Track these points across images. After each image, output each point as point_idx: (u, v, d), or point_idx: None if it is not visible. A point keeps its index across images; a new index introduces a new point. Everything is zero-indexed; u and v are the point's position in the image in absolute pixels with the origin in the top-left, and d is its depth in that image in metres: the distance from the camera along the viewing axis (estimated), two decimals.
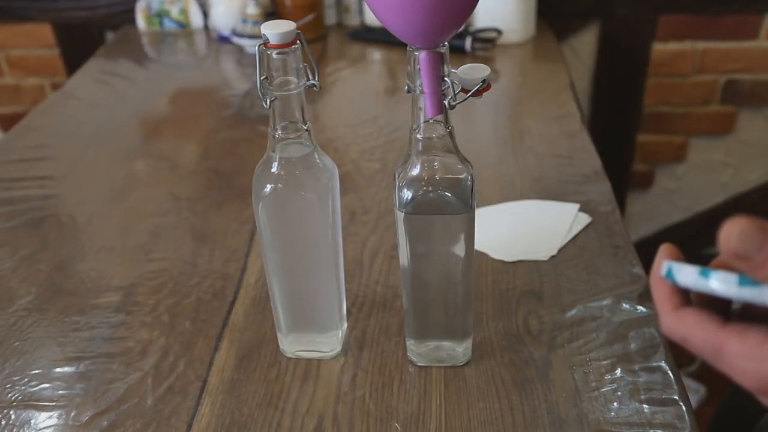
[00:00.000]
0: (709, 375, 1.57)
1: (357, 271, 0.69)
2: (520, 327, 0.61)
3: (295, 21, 0.49)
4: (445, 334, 0.57)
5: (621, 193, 1.55)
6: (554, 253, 0.70)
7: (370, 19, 1.31)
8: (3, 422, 0.55)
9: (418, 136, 0.48)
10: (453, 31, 0.45)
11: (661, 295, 0.36)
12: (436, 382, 0.57)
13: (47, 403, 0.56)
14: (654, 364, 0.57)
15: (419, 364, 0.58)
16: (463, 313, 0.55)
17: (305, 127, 0.50)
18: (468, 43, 1.17)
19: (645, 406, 0.53)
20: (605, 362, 0.57)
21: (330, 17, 1.34)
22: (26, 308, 0.67)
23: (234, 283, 0.69)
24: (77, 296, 0.68)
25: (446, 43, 0.45)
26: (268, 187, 0.51)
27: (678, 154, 1.55)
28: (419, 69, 0.45)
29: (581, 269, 0.68)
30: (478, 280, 0.67)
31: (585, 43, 1.43)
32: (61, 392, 0.57)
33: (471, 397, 0.55)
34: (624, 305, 0.63)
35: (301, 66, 0.48)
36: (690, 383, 1.51)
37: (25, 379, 0.59)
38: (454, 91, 0.46)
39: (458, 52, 1.17)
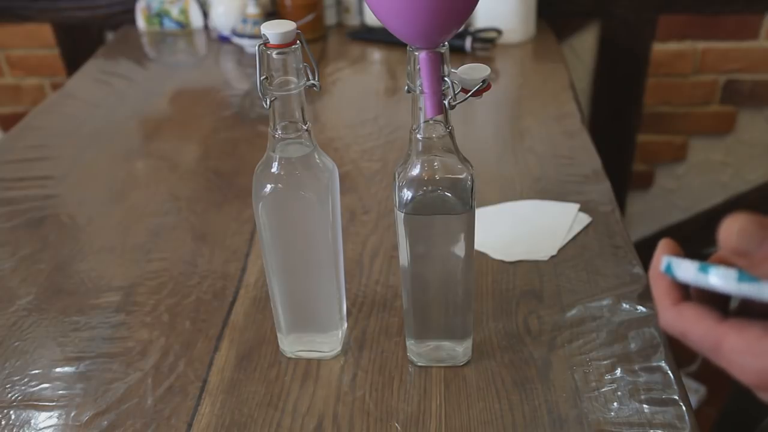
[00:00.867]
0: (709, 375, 1.57)
1: (357, 271, 0.69)
2: (520, 327, 0.61)
3: (295, 21, 0.49)
4: (445, 334, 0.57)
5: (621, 193, 1.55)
6: (554, 253, 0.70)
7: (370, 19, 1.31)
8: (3, 422, 0.55)
9: (418, 136, 0.48)
10: (453, 31, 0.45)
11: (660, 290, 0.36)
12: (436, 382, 0.57)
13: (47, 403, 0.56)
14: (654, 364, 0.57)
15: (419, 364, 0.58)
16: (463, 313, 0.55)
17: (305, 127, 0.50)
18: (468, 43, 1.17)
19: (645, 406, 0.53)
20: (605, 362, 0.57)
21: (330, 17, 1.34)
22: (26, 308, 0.67)
23: (234, 283, 0.69)
24: (77, 296, 0.68)
25: (446, 43, 0.45)
26: (268, 187, 0.51)
27: (678, 154, 1.55)
28: (419, 69, 0.45)
29: (581, 269, 0.68)
30: (478, 280, 0.67)
31: (585, 43, 1.43)
32: (61, 392, 0.57)
33: (471, 397, 0.55)
34: (624, 305, 0.63)
35: (301, 66, 0.48)
36: (690, 383, 1.51)
37: (25, 379, 0.59)
38: (454, 91, 0.46)
39: (458, 52, 1.17)
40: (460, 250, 0.51)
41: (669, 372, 0.56)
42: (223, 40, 1.31)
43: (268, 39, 0.46)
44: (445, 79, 0.46)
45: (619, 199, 1.27)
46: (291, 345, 0.59)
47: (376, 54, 1.24)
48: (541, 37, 1.27)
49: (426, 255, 0.52)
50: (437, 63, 0.45)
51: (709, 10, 1.36)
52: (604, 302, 0.63)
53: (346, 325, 0.62)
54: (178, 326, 0.64)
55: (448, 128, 0.48)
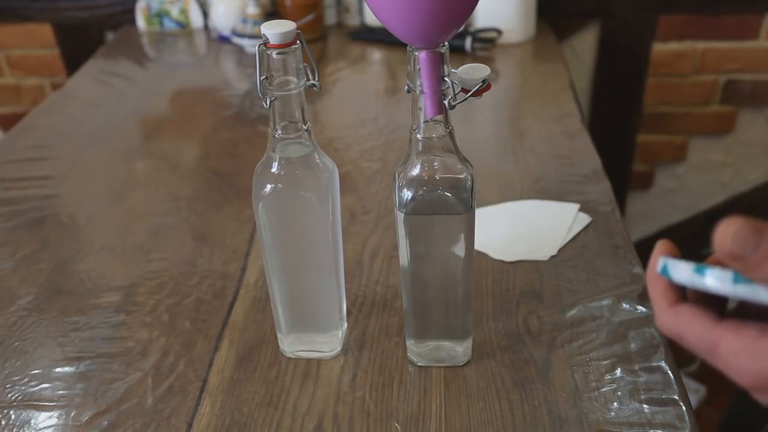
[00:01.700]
0: (709, 375, 1.57)
1: (357, 271, 0.69)
2: (520, 327, 0.61)
3: (295, 21, 0.49)
4: (445, 334, 0.57)
5: (621, 193, 1.55)
6: (554, 253, 0.70)
7: (370, 19, 1.31)
8: (3, 422, 0.55)
9: (418, 136, 0.48)
10: (453, 31, 0.45)
11: (656, 292, 0.36)
12: (436, 382, 0.57)
13: (47, 403, 0.56)
14: (654, 364, 0.57)
15: (419, 364, 0.58)
16: (463, 313, 0.55)
17: (305, 127, 0.50)
18: (468, 43, 1.17)
19: (645, 406, 0.53)
20: (605, 362, 0.57)
21: (330, 17, 1.34)
22: (26, 308, 0.67)
23: (234, 283, 0.69)
24: (77, 296, 0.68)
25: (446, 43, 0.45)
26: (268, 187, 0.51)
27: (678, 154, 1.55)
28: (419, 69, 0.45)
29: (581, 269, 0.68)
30: (478, 280, 0.67)
31: (585, 43, 1.43)
32: (61, 392, 0.57)
33: (471, 397, 0.55)
34: (624, 305, 0.63)
35: (301, 66, 0.48)
36: (690, 383, 1.51)
37: (25, 379, 0.59)
38: (454, 91, 0.46)
39: (458, 52, 1.17)
40: (460, 250, 0.51)
41: (669, 372, 0.56)
42: (223, 40, 1.31)
43: (268, 39, 0.46)
44: (445, 79, 0.46)
45: (619, 199, 1.27)
46: (291, 345, 0.59)
47: (376, 54, 1.24)
48: (541, 37, 1.27)
49: (426, 255, 0.52)
50: (437, 63, 0.45)
51: (709, 10, 1.36)
52: (604, 302, 0.63)
53: (346, 325, 0.62)
54: (178, 326, 0.64)
55: (448, 128, 0.48)
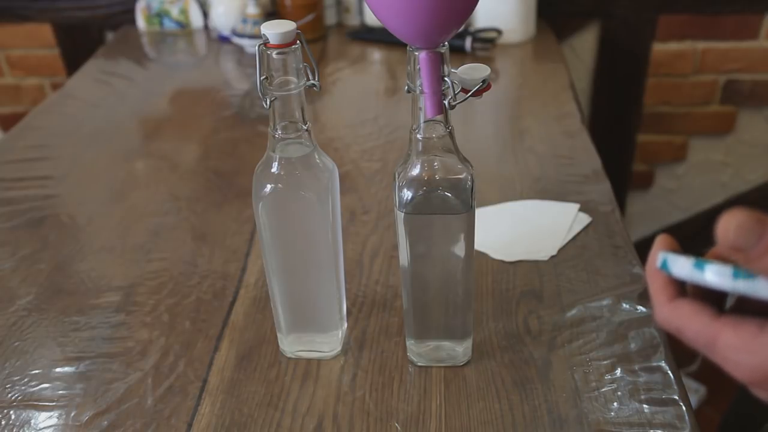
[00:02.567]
0: (709, 375, 1.57)
1: (357, 271, 0.69)
2: (520, 327, 0.61)
3: (295, 21, 0.49)
4: (445, 334, 0.57)
5: (621, 193, 1.55)
6: (554, 253, 0.70)
7: (370, 19, 1.31)
8: (3, 422, 0.55)
9: (418, 136, 0.48)
10: (453, 31, 0.45)
11: (656, 286, 0.36)
12: (436, 382, 0.57)
13: (47, 403, 0.56)
14: (654, 364, 0.57)
15: (419, 364, 0.58)
16: (463, 313, 0.55)
17: (305, 127, 0.50)
18: (468, 43, 1.17)
19: (645, 406, 0.53)
20: (605, 362, 0.57)
21: (330, 17, 1.34)
22: (26, 308, 0.67)
23: (234, 283, 0.69)
24: (77, 296, 0.68)
25: (446, 43, 0.45)
26: (268, 187, 0.51)
27: (678, 154, 1.55)
28: (419, 69, 0.45)
29: (581, 269, 0.68)
30: (478, 280, 0.67)
31: (585, 43, 1.43)
32: (61, 392, 0.57)
33: (471, 397, 0.55)
34: (624, 305, 0.63)
35: (301, 66, 0.48)
36: (690, 383, 1.51)
37: (25, 379, 0.59)
38: (454, 91, 0.46)
39: (458, 52, 1.17)
40: (460, 250, 0.51)
41: (669, 372, 0.56)
42: (223, 40, 1.31)
43: (268, 39, 0.46)
44: (445, 79, 0.46)
45: (619, 199, 1.27)
46: (291, 345, 0.59)
47: (376, 54, 1.24)
48: (541, 37, 1.27)
49: (426, 255, 0.52)
50: (437, 63, 0.45)
51: (709, 10, 1.36)
52: (604, 302, 0.63)
53: (346, 325, 0.62)
54: (178, 326, 0.64)
55: (448, 128, 0.48)
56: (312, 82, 0.49)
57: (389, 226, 0.75)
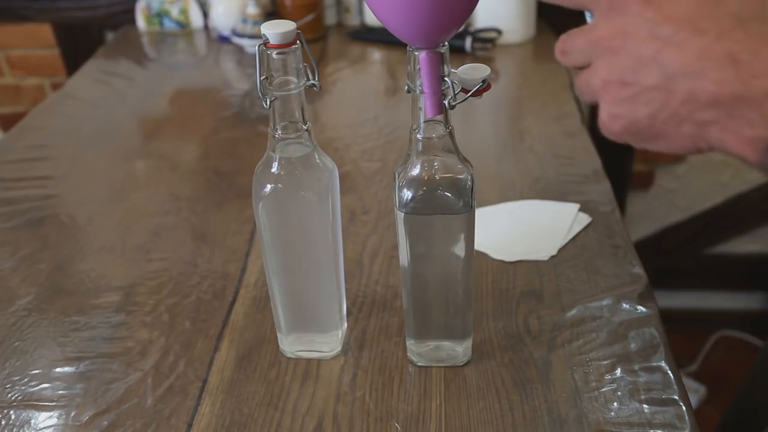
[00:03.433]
0: (709, 375, 1.57)
1: (357, 271, 0.69)
2: (520, 327, 0.61)
3: (295, 21, 0.49)
4: (445, 334, 0.57)
5: (621, 193, 1.55)
6: (554, 253, 0.70)
7: (370, 19, 1.31)
8: (3, 422, 0.55)
9: (418, 136, 0.48)
10: (453, 31, 0.45)
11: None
12: (436, 382, 0.57)
13: (47, 403, 0.56)
14: (654, 364, 0.57)
15: (419, 364, 0.58)
16: (463, 313, 0.55)
17: (305, 127, 0.50)
18: (468, 43, 1.17)
19: (645, 406, 0.53)
20: (605, 362, 0.57)
21: (330, 17, 1.34)
22: (26, 308, 0.67)
23: (234, 283, 0.69)
24: (77, 296, 0.68)
25: (446, 43, 0.45)
26: (268, 187, 0.51)
27: (678, 154, 1.55)
28: (419, 69, 0.45)
29: (581, 269, 0.68)
30: (478, 280, 0.67)
31: None
32: (61, 392, 0.57)
33: (471, 397, 0.55)
34: (624, 305, 0.63)
35: (301, 66, 0.48)
36: (690, 383, 1.51)
37: (25, 379, 0.59)
38: (454, 91, 0.46)
39: (458, 52, 1.17)
40: (460, 250, 0.51)
41: (669, 372, 0.56)
42: (223, 40, 1.31)
43: (268, 39, 0.46)
44: (445, 79, 0.46)
45: (619, 199, 1.27)
46: (291, 345, 0.59)
47: (376, 54, 1.24)
48: (541, 37, 1.27)
49: (426, 255, 0.52)
50: (437, 63, 0.45)
51: None
52: (604, 302, 0.63)
53: (346, 325, 0.62)
54: (178, 326, 0.64)
55: (448, 128, 0.48)
56: (312, 82, 0.49)
57: (389, 226, 0.75)
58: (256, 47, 0.47)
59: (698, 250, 1.57)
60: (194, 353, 0.61)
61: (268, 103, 0.48)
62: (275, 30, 0.46)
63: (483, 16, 1.22)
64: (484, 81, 0.46)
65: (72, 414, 0.55)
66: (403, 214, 0.50)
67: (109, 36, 1.49)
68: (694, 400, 1.49)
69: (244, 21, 1.24)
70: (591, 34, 0.36)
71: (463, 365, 0.58)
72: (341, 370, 0.58)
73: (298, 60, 0.48)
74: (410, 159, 0.49)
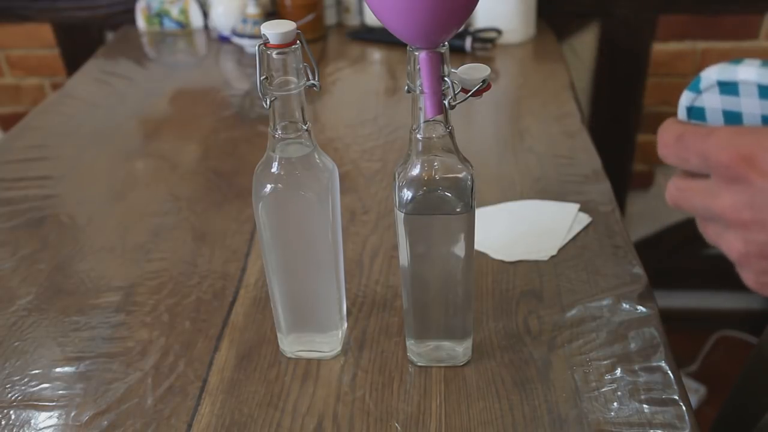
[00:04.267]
0: (709, 375, 1.57)
1: (357, 271, 0.69)
2: (520, 327, 0.61)
3: (295, 21, 0.49)
4: (445, 334, 0.57)
5: (621, 193, 1.55)
6: (554, 253, 0.70)
7: (370, 19, 1.31)
8: (3, 422, 0.55)
9: (418, 136, 0.48)
10: (453, 31, 0.45)
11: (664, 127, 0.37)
12: (436, 382, 0.57)
13: (47, 403, 0.56)
14: (654, 364, 0.57)
15: (419, 364, 0.58)
16: (463, 313, 0.55)
17: (305, 127, 0.50)
18: (468, 43, 1.17)
19: (645, 406, 0.53)
20: (605, 362, 0.57)
21: (330, 17, 1.34)
22: (26, 308, 0.67)
23: (234, 283, 0.69)
24: (77, 296, 0.68)
25: (446, 43, 0.45)
26: (268, 187, 0.51)
27: None
28: (419, 69, 0.45)
29: (581, 269, 0.68)
30: (478, 280, 0.67)
31: (585, 43, 1.43)
32: (61, 392, 0.57)
33: (471, 397, 0.55)
34: (624, 305, 0.63)
35: (301, 66, 0.48)
36: (690, 383, 1.51)
37: (25, 379, 0.59)
38: (454, 91, 0.46)
39: (458, 52, 1.17)
40: (460, 250, 0.51)
41: (669, 372, 0.56)
42: (223, 40, 1.31)
43: (268, 39, 0.46)
44: (445, 79, 0.46)
45: (619, 199, 1.27)
46: (291, 345, 0.59)
47: (376, 54, 1.24)
48: (541, 37, 1.27)
49: (426, 255, 0.52)
50: (437, 63, 0.45)
51: (709, 10, 1.36)
52: (604, 302, 0.63)
53: (346, 325, 0.62)
54: (178, 326, 0.64)
55: (448, 128, 0.48)
56: (312, 82, 0.49)
57: (389, 226, 0.75)
58: (256, 47, 0.47)
59: (698, 250, 1.57)
60: (194, 353, 0.61)
61: (268, 103, 0.48)
62: (275, 30, 0.46)
63: (483, 16, 1.22)
64: (484, 81, 0.46)
65: (72, 414, 0.55)
66: (403, 214, 0.50)
67: (109, 36, 1.49)
68: (694, 400, 1.49)
69: (244, 21, 1.24)
70: (714, 203, 0.35)
71: (463, 365, 0.58)
72: (341, 370, 0.58)
73: (298, 60, 0.48)
74: (410, 159, 0.49)
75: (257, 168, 0.52)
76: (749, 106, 0.34)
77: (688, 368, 1.59)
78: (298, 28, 0.47)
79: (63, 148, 0.96)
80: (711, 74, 0.34)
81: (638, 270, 0.67)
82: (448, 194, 0.50)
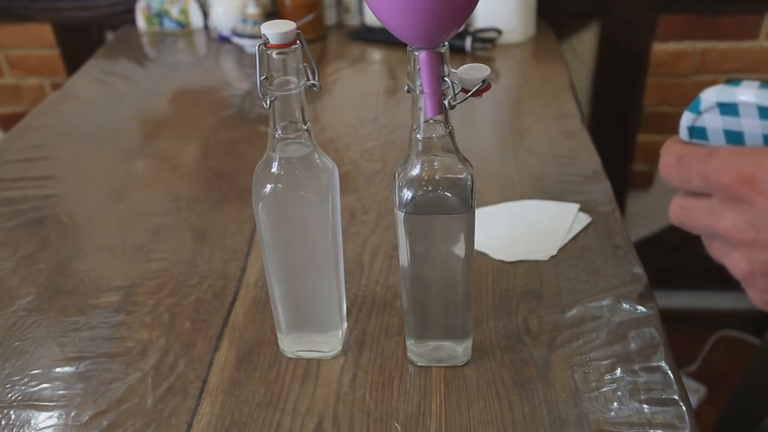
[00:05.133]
0: (709, 375, 1.57)
1: (357, 271, 0.69)
2: (520, 327, 0.61)
3: (295, 21, 0.49)
4: (445, 334, 0.57)
5: (621, 193, 1.55)
6: (554, 253, 0.70)
7: (370, 19, 1.31)
8: (3, 422, 0.55)
9: (418, 136, 0.48)
10: (453, 31, 0.45)
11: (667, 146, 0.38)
12: (436, 382, 0.57)
13: (47, 403, 0.56)
14: (654, 364, 0.57)
15: (419, 364, 0.58)
16: (463, 313, 0.55)
17: (305, 127, 0.50)
18: (468, 43, 1.17)
19: (645, 406, 0.53)
20: (605, 362, 0.57)
21: (330, 17, 1.34)
22: (26, 308, 0.67)
23: (234, 283, 0.69)
24: (77, 296, 0.68)
25: (446, 43, 0.45)
26: (268, 187, 0.51)
27: None
28: (419, 69, 0.45)
29: (581, 269, 0.68)
30: (478, 280, 0.67)
31: (585, 43, 1.43)
32: (61, 392, 0.57)
33: (471, 397, 0.55)
34: (624, 305, 0.63)
35: (301, 66, 0.48)
36: (690, 383, 1.51)
37: (25, 379, 0.59)
38: (454, 91, 0.46)
39: (458, 52, 1.17)
40: (460, 250, 0.51)
41: (669, 372, 0.56)
42: (223, 40, 1.31)
43: (268, 39, 0.46)
44: (445, 79, 0.46)
45: (619, 199, 1.27)
46: (291, 345, 0.59)
47: (376, 54, 1.24)
48: (541, 37, 1.27)
49: (426, 255, 0.52)
50: (437, 63, 0.45)
51: (709, 10, 1.36)
52: (604, 302, 0.63)
53: (346, 325, 0.62)
54: (178, 326, 0.64)
55: (448, 128, 0.48)
56: (312, 82, 0.49)
57: (389, 226, 0.75)
58: (256, 47, 0.47)
59: (698, 250, 1.56)
60: (194, 353, 0.61)
61: (268, 103, 0.48)
62: (275, 30, 0.46)
63: (483, 16, 1.22)
64: (484, 81, 0.46)
65: (72, 414, 0.55)
66: (403, 214, 0.50)
67: (109, 36, 1.49)
68: (694, 400, 1.49)
69: (244, 21, 1.24)
70: (717, 223, 0.36)
71: (463, 365, 0.58)
72: (341, 370, 0.58)
73: (298, 60, 0.48)
74: (410, 159, 0.49)
75: (257, 168, 0.52)
76: (750, 126, 0.34)
77: (688, 368, 1.59)
78: (298, 28, 0.47)
79: (63, 148, 0.96)
80: (711, 96, 0.35)
81: (638, 270, 0.67)
82: (448, 194, 0.50)
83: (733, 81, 0.34)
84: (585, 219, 0.75)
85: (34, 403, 0.57)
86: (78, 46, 1.49)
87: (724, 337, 1.65)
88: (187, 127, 1.01)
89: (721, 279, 0.38)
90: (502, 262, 0.69)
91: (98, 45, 1.46)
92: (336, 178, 0.53)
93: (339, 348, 0.60)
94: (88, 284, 0.70)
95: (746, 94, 0.33)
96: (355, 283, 0.67)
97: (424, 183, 0.49)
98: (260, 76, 0.48)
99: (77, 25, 1.48)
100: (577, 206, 0.76)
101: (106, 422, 0.54)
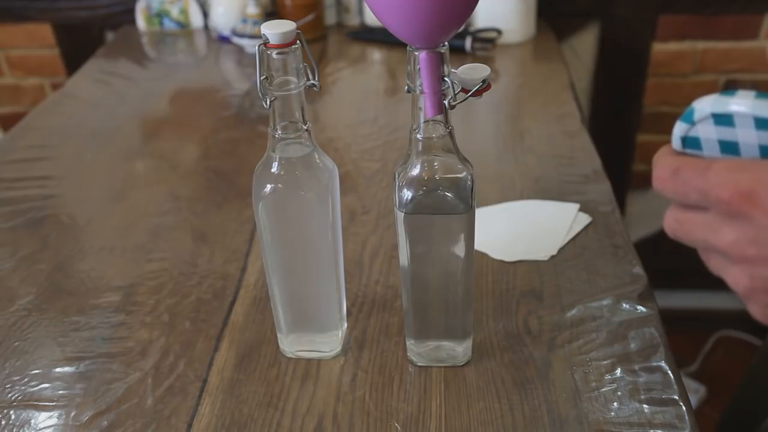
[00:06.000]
0: (709, 375, 1.57)
1: (357, 271, 0.69)
2: (520, 327, 0.61)
3: (295, 21, 0.49)
4: (445, 334, 0.57)
5: (621, 193, 1.55)
6: (554, 253, 0.70)
7: (370, 19, 1.31)
8: (3, 422, 0.55)
9: (418, 136, 0.48)
10: (453, 31, 0.45)
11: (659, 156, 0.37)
12: (436, 382, 0.57)
13: (47, 403, 0.56)
14: (654, 364, 0.57)
15: (419, 364, 0.58)
16: (463, 313, 0.55)
17: (305, 127, 0.50)
18: (468, 43, 1.17)
19: (645, 406, 0.53)
20: (605, 362, 0.57)
21: (330, 17, 1.34)
22: (26, 308, 0.67)
23: (234, 283, 0.69)
24: (77, 296, 0.68)
25: (446, 43, 0.45)
26: (268, 187, 0.51)
27: None
28: (419, 69, 0.45)
29: (581, 269, 0.68)
30: (478, 280, 0.67)
31: (585, 43, 1.43)
32: (61, 392, 0.57)
33: (471, 397, 0.55)
34: (624, 305, 0.63)
35: (301, 66, 0.48)
36: (690, 383, 1.51)
37: (25, 379, 0.59)
38: (454, 91, 0.46)
39: (458, 52, 1.17)
40: (460, 250, 0.51)
41: (669, 372, 0.56)
42: (223, 40, 1.31)
43: (268, 39, 0.46)
44: (445, 79, 0.46)
45: (619, 199, 1.27)
46: (291, 345, 0.59)
47: (376, 54, 1.24)
48: (541, 37, 1.27)
49: (426, 255, 0.52)
50: (437, 63, 0.45)
51: (709, 10, 1.36)
52: (604, 302, 0.63)
53: (346, 325, 0.62)
54: (178, 326, 0.64)
55: (448, 128, 0.48)
56: (312, 82, 0.49)
57: (389, 226, 0.75)
58: (256, 47, 0.47)
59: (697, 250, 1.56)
60: (194, 353, 0.61)
61: (268, 103, 0.48)
62: (275, 30, 0.46)
63: (483, 16, 1.22)
64: (484, 81, 0.46)
65: (72, 414, 0.55)
66: (403, 214, 0.50)
67: (109, 36, 1.48)
68: (694, 400, 1.49)
69: (244, 21, 1.24)
70: (716, 238, 0.35)
71: (463, 365, 0.58)
72: (341, 370, 0.58)
73: (298, 60, 0.48)
74: (410, 159, 0.49)
75: (257, 168, 0.52)
76: (746, 136, 0.33)
77: (688, 368, 1.59)
78: (298, 28, 0.47)
79: (63, 148, 0.96)
80: (705, 106, 0.34)
81: (638, 270, 0.67)
82: (448, 194, 0.50)
83: (728, 91, 0.33)
84: (585, 219, 0.75)
85: (34, 403, 0.57)
86: (78, 46, 1.49)
87: (724, 337, 1.65)
88: (187, 127, 1.01)
89: (721, 279, 0.38)
90: (502, 262, 0.69)
91: (98, 45, 1.46)
92: (336, 178, 0.53)
93: (339, 348, 0.60)
94: (88, 284, 0.70)
95: (742, 104, 0.32)
96: (355, 283, 0.67)
97: (424, 183, 0.49)
98: (260, 76, 0.48)
99: (77, 25, 1.48)
100: (577, 206, 0.76)
101: (106, 422, 0.54)
